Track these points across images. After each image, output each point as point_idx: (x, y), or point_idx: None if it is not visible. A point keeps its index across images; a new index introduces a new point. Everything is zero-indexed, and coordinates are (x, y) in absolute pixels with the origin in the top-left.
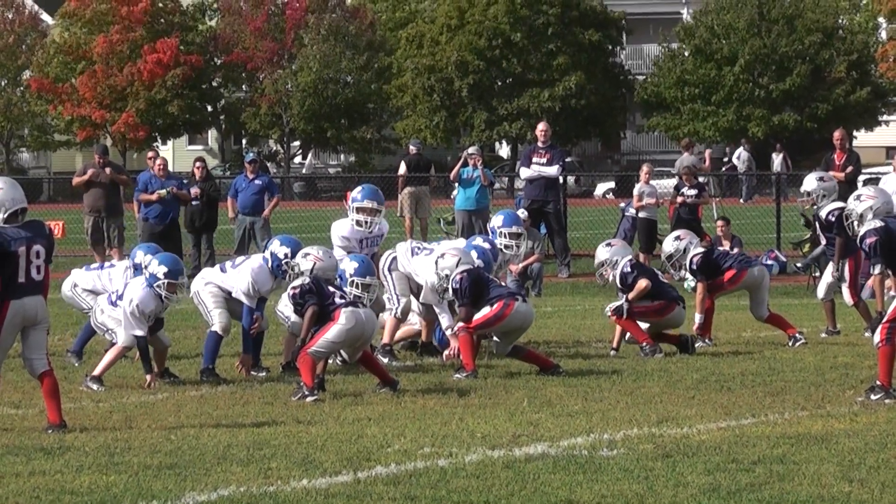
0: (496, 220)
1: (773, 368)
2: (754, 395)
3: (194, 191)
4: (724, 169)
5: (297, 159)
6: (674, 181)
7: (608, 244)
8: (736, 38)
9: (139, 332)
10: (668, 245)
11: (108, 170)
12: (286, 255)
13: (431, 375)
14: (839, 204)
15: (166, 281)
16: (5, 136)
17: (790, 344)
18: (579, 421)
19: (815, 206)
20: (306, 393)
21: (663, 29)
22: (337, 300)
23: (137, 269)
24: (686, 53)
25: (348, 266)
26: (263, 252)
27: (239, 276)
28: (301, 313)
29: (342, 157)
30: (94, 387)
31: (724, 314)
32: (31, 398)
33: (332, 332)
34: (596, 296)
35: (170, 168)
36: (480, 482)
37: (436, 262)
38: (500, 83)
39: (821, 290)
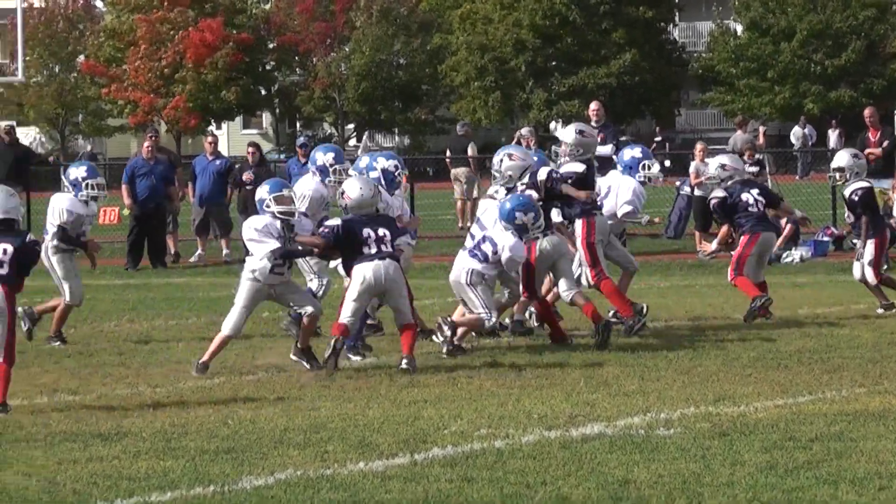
0: (634, 152)
1: (829, 345)
2: (811, 372)
3: (247, 175)
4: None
5: (352, 142)
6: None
7: None
8: (792, 14)
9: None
10: (713, 168)
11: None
12: (332, 161)
13: (487, 356)
14: (863, 183)
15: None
16: (60, 122)
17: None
18: (636, 400)
19: (846, 183)
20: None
21: (717, 4)
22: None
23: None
24: (740, 29)
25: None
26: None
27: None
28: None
29: (396, 138)
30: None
31: (780, 291)
32: (87, 384)
33: (350, 292)
34: (652, 275)
35: (222, 150)
36: (537, 463)
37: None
38: (555, 62)
39: (856, 272)
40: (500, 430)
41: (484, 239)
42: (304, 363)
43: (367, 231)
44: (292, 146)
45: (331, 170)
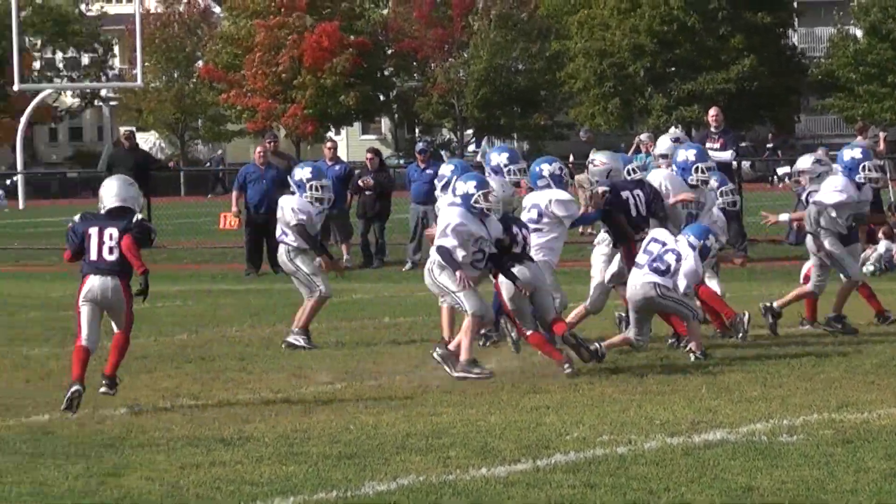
0: (688, 154)
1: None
2: None
3: (367, 181)
4: None
5: (471, 147)
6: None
7: None
8: None
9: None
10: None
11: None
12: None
13: (609, 361)
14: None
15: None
16: (180, 128)
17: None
18: (758, 407)
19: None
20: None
21: (836, 10)
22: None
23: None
24: (859, 34)
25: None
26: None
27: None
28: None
29: (515, 144)
30: None
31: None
32: (209, 389)
33: (504, 294)
34: (773, 281)
35: (341, 155)
36: (659, 469)
37: None
38: (673, 68)
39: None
40: (623, 437)
41: (666, 251)
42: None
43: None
44: (411, 152)
45: (505, 170)
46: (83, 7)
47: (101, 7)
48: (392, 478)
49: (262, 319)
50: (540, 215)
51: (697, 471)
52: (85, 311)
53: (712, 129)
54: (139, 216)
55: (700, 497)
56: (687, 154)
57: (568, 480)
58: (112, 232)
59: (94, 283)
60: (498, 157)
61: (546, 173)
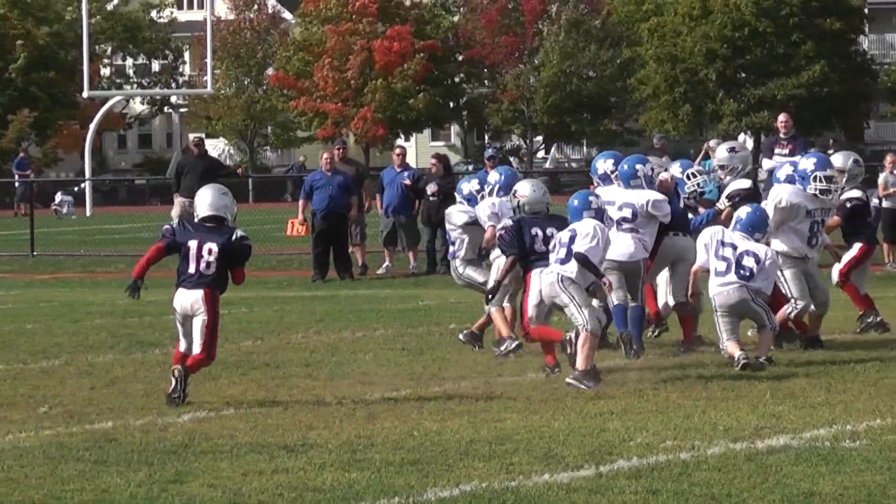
0: (808, 164)
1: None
2: None
3: (432, 188)
4: None
5: (540, 153)
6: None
7: None
8: None
9: None
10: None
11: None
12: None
13: (674, 367)
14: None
15: None
16: (249, 134)
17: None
18: (822, 412)
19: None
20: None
21: None
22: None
23: None
24: None
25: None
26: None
27: None
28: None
29: (585, 150)
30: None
31: None
32: (274, 396)
33: (530, 299)
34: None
35: (410, 162)
36: (722, 475)
37: None
38: (744, 74)
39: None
40: (686, 442)
41: (744, 254)
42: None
43: (535, 230)
44: (480, 158)
45: (612, 176)
46: (154, 14)
47: (172, 13)
48: (455, 484)
49: (328, 326)
50: (635, 215)
51: (760, 476)
52: (179, 324)
53: (781, 135)
54: (238, 232)
55: (762, 502)
56: (807, 163)
57: (630, 486)
58: (211, 247)
59: (182, 296)
60: (604, 165)
61: (640, 174)
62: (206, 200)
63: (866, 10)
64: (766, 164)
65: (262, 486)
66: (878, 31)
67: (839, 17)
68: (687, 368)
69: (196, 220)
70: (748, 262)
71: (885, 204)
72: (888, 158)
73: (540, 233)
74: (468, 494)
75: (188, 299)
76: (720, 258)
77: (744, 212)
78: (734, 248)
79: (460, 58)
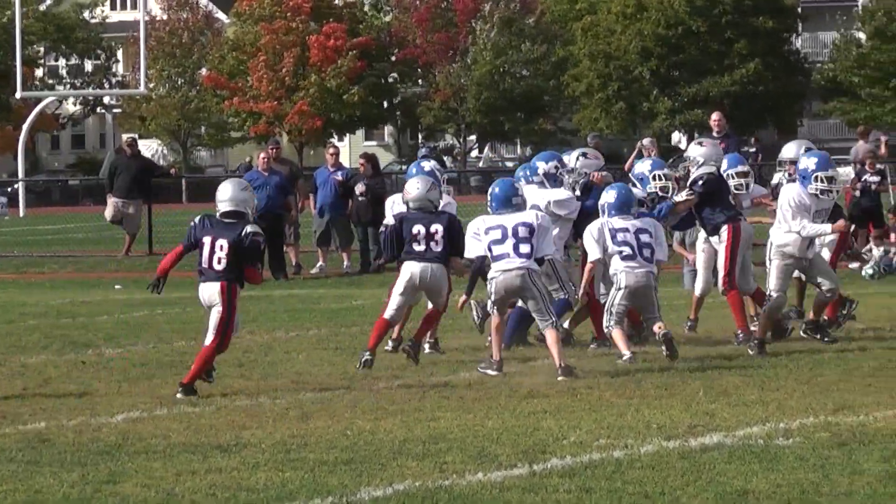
0: (809, 163)
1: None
2: None
3: (360, 187)
4: None
5: (474, 153)
6: (849, 169)
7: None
8: None
9: None
10: None
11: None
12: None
13: (607, 365)
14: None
15: None
16: (183, 135)
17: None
18: (755, 410)
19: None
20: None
21: (840, 14)
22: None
23: None
24: (863, 37)
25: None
26: None
27: None
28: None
29: (519, 149)
30: None
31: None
32: (208, 396)
33: (396, 288)
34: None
35: (344, 162)
36: (656, 473)
37: None
38: (678, 72)
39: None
40: (619, 441)
41: (638, 234)
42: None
43: (418, 227)
44: (414, 158)
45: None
46: (87, 14)
47: (104, 13)
48: (388, 483)
49: (262, 326)
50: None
51: (693, 474)
52: (207, 315)
53: (714, 134)
54: (249, 228)
55: (695, 501)
56: (643, 166)
57: (564, 485)
58: (222, 243)
59: (203, 290)
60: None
61: (541, 171)
62: (226, 195)
63: (799, 9)
64: None
65: (195, 486)
66: (812, 29)
67: (773, 15)
68: (619, 367)
69: (218, 214)
70: (645, 238)
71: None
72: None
73: (423, 230)
74: (401, 493)
75: (207, 292)
76: (621, 243)
77: (611, 196)
78: (627, 231)
79: (393, 58)
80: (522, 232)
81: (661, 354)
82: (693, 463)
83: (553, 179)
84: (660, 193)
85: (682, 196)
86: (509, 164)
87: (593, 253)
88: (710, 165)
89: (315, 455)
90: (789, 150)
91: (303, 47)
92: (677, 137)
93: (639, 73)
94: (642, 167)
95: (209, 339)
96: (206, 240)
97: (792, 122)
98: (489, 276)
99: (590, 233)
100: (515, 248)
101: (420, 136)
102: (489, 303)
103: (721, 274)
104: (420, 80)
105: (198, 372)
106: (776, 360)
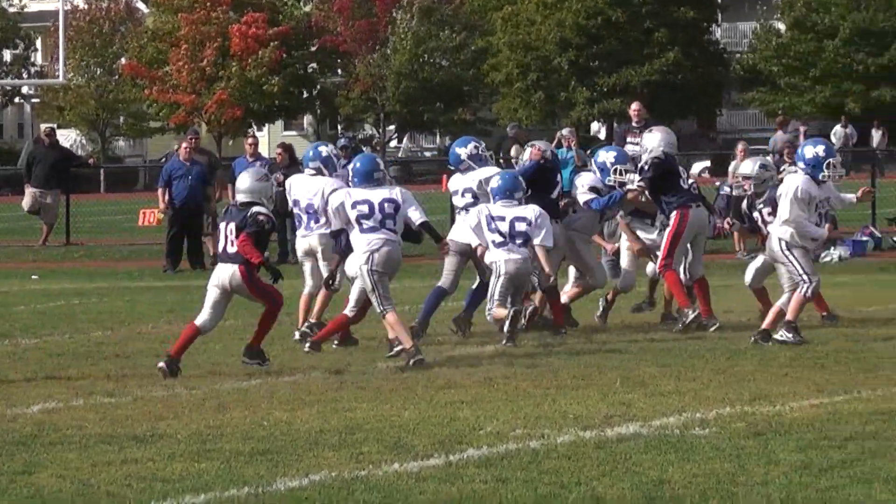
0: (818, 150)
1: (866, 345)
2: (847, 371)
3: (278, 177)
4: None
5: (393, 143)
6: (769, 159)
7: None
8: (835, 13)
9: None
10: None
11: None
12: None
13: (524, 356)
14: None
15: None
16: (101, 124)
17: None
18: (672, 400)
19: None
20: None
21: (760, 4)
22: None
23: None
24: (783, 27)
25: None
26: None
27: None
28: None
29: (438, 139)
30: None
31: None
32: (124, 387)
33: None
34: None
35: (263, 152)
36: (572, 463)
37: None
38: (597, 62)
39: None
40: (536, 431)
41: (514, 222)
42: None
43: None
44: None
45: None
46: (5, 3)
47: (22, 2)
48: (304, 474)
49: (179, 316)
50: (475, 197)
51: (610, 464)
52: (210, 294)
53: (634, 124)
54: (255, 209)
55: (611, 490)
56: (607, 156)
57: (480, 475)
58: (231, 227)
59: (219, 270)
60: (605, 155)
61: (464, 156)
62: (241, 186)
63: (719, 0)
64: None
65: (111, 477)
66: (731, 19)
67: (693, 6)
68: (536, 357)
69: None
70: (520, 227)
71: (735, 192)
72: (739, 147)
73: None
74: (318, 484)
75: (223, 273)
76: (494, 231)
77: (496, 182)
78: (503, 219)
79: (314, 47)
80: (388, 208)
81: (577, 345)
82: (609, 453)
83: (478, 160)
84: (617, 187)
85: (634, 183)
86: (427, 154)
87: (474, 240)
88: (659, 150)
89: (231, 446)
90: (746, 167)
91: (224, 38)
92: (596, 127)
93: (557, 63)
94: (605, 156)
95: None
96: (222, 225)
97: (711, 112)
98: (363, 251)
99: (468, 222)
100: (382, 222)
101: (339, 126)
102: (368, 279)
103: (661, 256)
104: (340, 70)
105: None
106: (693, 351)
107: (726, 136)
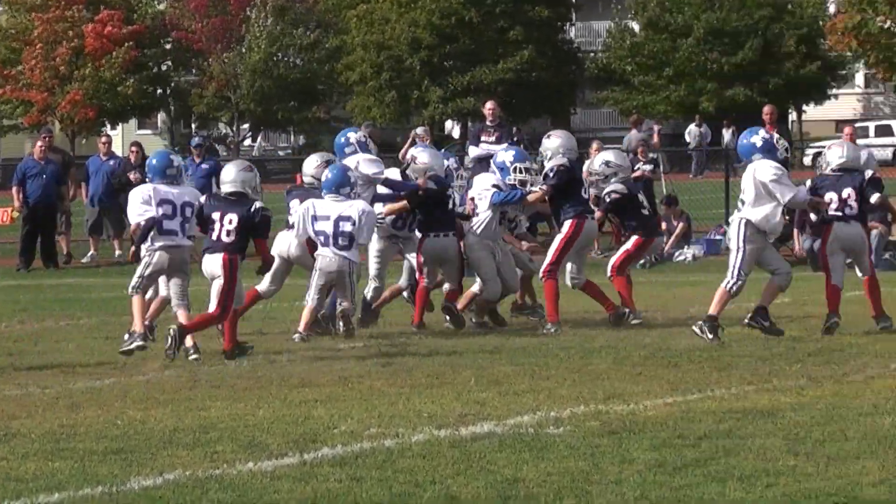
0: (506, 156)
1: (720, 343)
2: (701, 370)
3: (134, 175)
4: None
5: (247, 142)
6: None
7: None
8: (688, 13)
9: None
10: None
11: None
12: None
13: (379, 355)
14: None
15: None
16: None
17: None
18: (526, 399)
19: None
20: None
21: (615, 3)
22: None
23: None
24: (637, 27)
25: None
26: None
27: None
28: None
29: (292, 138)
30: None
31: (674, 290)
32: None
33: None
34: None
35: (117, 151)
36: (427, 462)
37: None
38: (451, 61)
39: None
40: (391, 430)
41: (339, 222)
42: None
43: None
44: (187, 146)
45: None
46: None
47: None
48: (158, 473)
49: (32, 315)
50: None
51: (464, 463)
52: (213, 287)
53: (488, 123)
54: (258, 204)
55: (466, 489)
56: (506, 155)
57: (335, 474)
58: (232, 217)
59: (207, 261)
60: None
61: (353, 140)
62: (227, 178)
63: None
64: (473, 151)
65: None
66: (585, 19)
67: (547, 5)
68: (392, 356)
69: (223, 194)
70: (345, 227)
71: (591, 191)
72: (594, 146)
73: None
74: (172, 483)
75: (210, 264)
76: (318, 233)
77: (328, 174)
78: (327, 218)
79: (168, 45)
80: (188, 211)
81: (429, 341)
82: (464, 452)
83: (364, 147)
84: (518, 186)
85: (536, 187)
86: (281, 153)
87: (301, 230)
88: (561, 157)
89: (85, 445)
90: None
91: (79, 37)
92: (450, 125)
93: (410, 63)
94: (504, 156)
95: (211, 307)
96: (216, 215)
97: (565, 111)
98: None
99: (296, 215)
100: (182, 226)
101: (193, 125)
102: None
103: (546, 261)
104: (194, 69)
105: (193, 328)
106: (547, 350)
107: (580, 136)
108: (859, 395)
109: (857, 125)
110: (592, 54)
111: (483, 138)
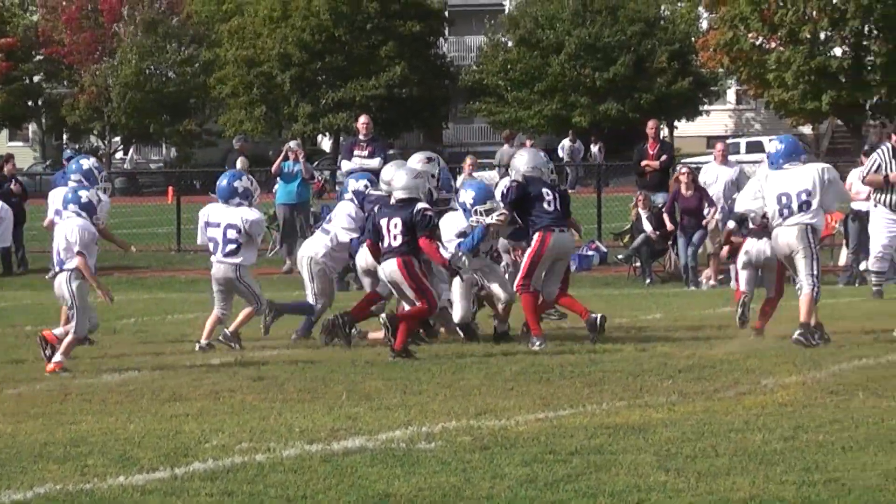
0: (467, 196)
1: (592, 359)
2: (573, 385)
3: (16, 187)
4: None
5: (119, 155)
6: (494, 173)
7: None
8: (560, 29)
9: None
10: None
11: None
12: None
13: (250, 370)
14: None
15: None
16: None
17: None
18: (398, 414)
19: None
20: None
21: (488, 18)
22: None
23: None
24: (510, 43)
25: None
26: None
27: None
28: None
29: (164, 151)
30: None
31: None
32: None
33: None
34: None
35: None
36: (298, 476)
37: None
38: (323, 76)
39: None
40: (262, 444)
41: (226, 229)
42: None
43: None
44: (58, 159)
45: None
46: None
47: None
48: (29, 487)
49: None
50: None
51: (336, 478)
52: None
53: (361, 137)
54: (420, 206)
55: None
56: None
57: (206, 488)
58: (396, 221)
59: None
60: (356, 184)
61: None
62: (399, 184)
63: (446, 14)
64: (346, 165)
65: None
66: (458, 33)
67: (420, 19)
68: (262, 370)
69: (393, 200)
70: (231, 234)
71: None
72: (467, 161)
73: None
74: (42, 497)
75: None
76: (210, 239)
77: (219, 182)
78: (217, 225)
79: (40, 57)
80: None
81: (304, 356)
82: (335, 466)
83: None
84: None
85: (492, 217)
86: (153, 167)
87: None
88: (517, 174)
89: None
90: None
91: None
92: (321, 139)
93: (280, 79)
94: (465, 196)
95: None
96: (383, 221)
97: (437, 125)
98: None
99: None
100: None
101: (65, 137)
102: None
103: (518, 276)
104: (66, 81)
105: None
106: (418, 365)
107: (452, 150)
108: (730, 411)
109: (729, 141)
110: (466, 68)
111: (356, 152)
